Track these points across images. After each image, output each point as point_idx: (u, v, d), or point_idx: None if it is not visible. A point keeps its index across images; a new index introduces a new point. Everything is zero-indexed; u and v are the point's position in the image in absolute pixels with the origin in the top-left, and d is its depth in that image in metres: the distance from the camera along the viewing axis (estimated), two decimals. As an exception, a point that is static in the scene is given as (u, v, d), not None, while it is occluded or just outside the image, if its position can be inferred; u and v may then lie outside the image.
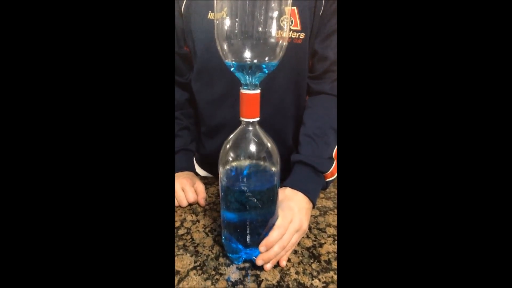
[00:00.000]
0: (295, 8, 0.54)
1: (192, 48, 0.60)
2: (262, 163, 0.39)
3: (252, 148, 0.38)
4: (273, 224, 0.43)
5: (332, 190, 0.63)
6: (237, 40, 0.34)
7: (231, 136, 0.39)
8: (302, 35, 0.56)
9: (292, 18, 0.55)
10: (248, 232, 0.41)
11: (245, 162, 0.39)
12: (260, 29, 0.33)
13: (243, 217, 0.41)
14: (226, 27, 0.34)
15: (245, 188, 0.38)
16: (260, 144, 0.39)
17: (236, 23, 0.33)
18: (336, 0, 0.56)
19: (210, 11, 0.55)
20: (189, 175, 0.62)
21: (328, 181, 0.59)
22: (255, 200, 0.39)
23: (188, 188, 0.58)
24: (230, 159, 0.39)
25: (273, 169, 0.40)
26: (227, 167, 0.39)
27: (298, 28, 0.55)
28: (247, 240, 0.41)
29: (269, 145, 0.39)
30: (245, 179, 0.39)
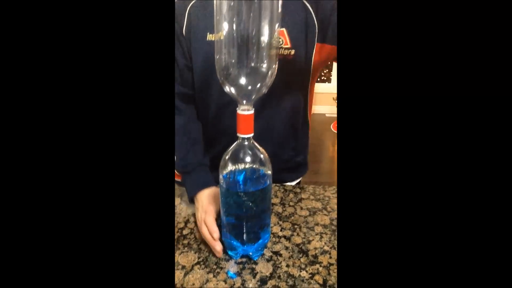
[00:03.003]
0: (284, 29, 0.61)
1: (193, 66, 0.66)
2: (256, 171, 0.46)
3: (247, 159, 0.44)
4: (267, 224, 0.49)
5: (321, 192, 0.70)
6: (234, 69, 0.40)
7: (230, 148, 0.45)
8: (292, 52, 0.62)
9: (283, 38, 0.61)
10: (244, 231, 0.47)
11: (241, 171, 0.45)
12: (255, 45, 0.39)
13: (240, 218, 0.47)
14: (223, 50, 0.40)
15: (242, 194, 0.44)
16: (254, 155, 0.45)
17: (233, 41, 0.39)
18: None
19: (208, 33, 0.61)
20: (211, 200, 0.59)
21: None
22: (250, 204, 0.45)
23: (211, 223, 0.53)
24: (229, 168, 0.45)
25: (266, 175, 0.46)
26: (226, 175, 0.45)
27: (289, 46, 0.62)
28: (244, 238, 0.47)
29: (262, 156, 0.45)
30: (241, 185, 0.45)
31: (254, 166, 0.45)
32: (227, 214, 0.48)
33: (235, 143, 0.45)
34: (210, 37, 0.61)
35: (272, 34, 0.39)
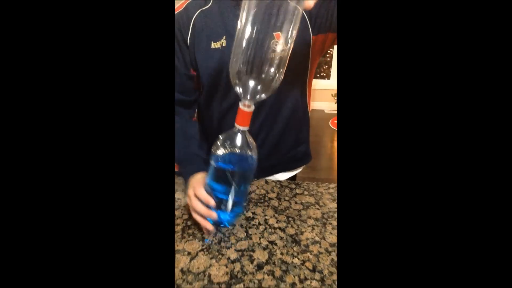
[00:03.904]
0: (279, 32, 0.66)
1: (198, 74, 0.72)
2: (242, 155, 0.52)
3: (238, 144, 0.51)
4: (242, 201, 0.56)
5: (315, 188, 0.75)
6: (246, 76, 0.46)
7: (225, 132, 0.52)
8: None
9: (278, 40, 0.67)
10: (222, 204, 0.54)
11: (231, 153, 0.52)
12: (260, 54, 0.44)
13: (221, 192, 0.53)
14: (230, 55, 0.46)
15: (227, 172, 0.51)
16: (244, 143, 0.51)
17: (234, 51, 0.44)
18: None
19: (212, 41, 0.66)
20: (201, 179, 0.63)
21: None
22: (233, 182, 0.51)
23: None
24: (220, 148, 0.51)
25: (251, 159, 0.52)
26: (217, 154, 0.52)
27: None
28: (221, 207, 0.54)
29: (251, 145, 0.51)
30: (227, 165, 0.52)
31: (242, 151, 0.51)
32: (211, 186, 0.54)
33: (231, 129, 0.51)
34: (214, 45, 0.66)
35: (287, 45, 0.45)
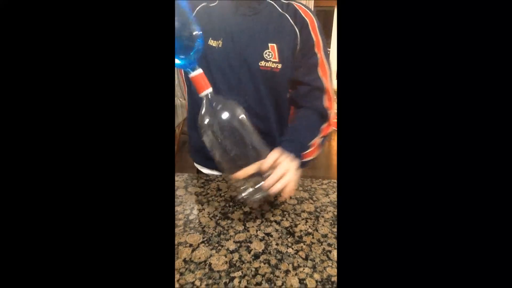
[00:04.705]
0: (274, 44, 0.70)
1: None
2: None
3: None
4: None
5: (309, 184, 0.79)
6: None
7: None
8: (279, 65, 0.72)
9: (272, 52, 0.71)
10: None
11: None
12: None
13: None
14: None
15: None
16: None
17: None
18: (314, 36, 0.72)
19: (210, 38, 0.70)
20: None
21: (304, 161, 0.72)
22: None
23: None
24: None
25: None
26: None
27: (277, 60, 0.71)
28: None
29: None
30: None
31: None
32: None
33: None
34: (211, 42, 0.70)
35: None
